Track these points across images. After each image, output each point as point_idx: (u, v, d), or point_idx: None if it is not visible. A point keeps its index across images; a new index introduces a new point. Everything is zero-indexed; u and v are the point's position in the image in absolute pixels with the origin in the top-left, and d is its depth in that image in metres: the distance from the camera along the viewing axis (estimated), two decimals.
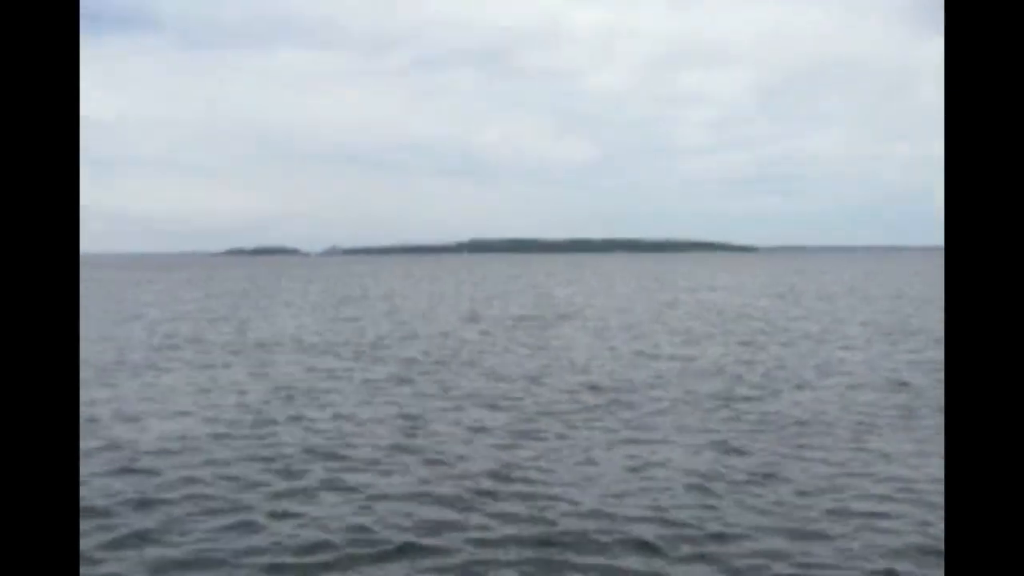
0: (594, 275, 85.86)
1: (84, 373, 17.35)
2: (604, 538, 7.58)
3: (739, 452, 10.57)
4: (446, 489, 9.06)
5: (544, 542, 7.49)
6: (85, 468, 9.76)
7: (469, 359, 19.72)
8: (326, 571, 6.95)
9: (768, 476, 9.47)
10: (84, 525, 7.84)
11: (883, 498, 8.65)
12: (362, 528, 7.86)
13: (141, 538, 7.62)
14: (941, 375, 14.92)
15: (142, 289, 59.51)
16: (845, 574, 6.79)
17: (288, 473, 9.73)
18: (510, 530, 7.80)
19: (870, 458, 10.22)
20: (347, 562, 7.11)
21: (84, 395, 14.66)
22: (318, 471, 9.78)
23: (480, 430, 11.96)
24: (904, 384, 15.50)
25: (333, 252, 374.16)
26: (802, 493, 8.84)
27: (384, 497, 8.80)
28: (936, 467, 9.61)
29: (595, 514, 8.21)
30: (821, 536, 7.61)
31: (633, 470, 9.81)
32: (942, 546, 6.51)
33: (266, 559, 7.14)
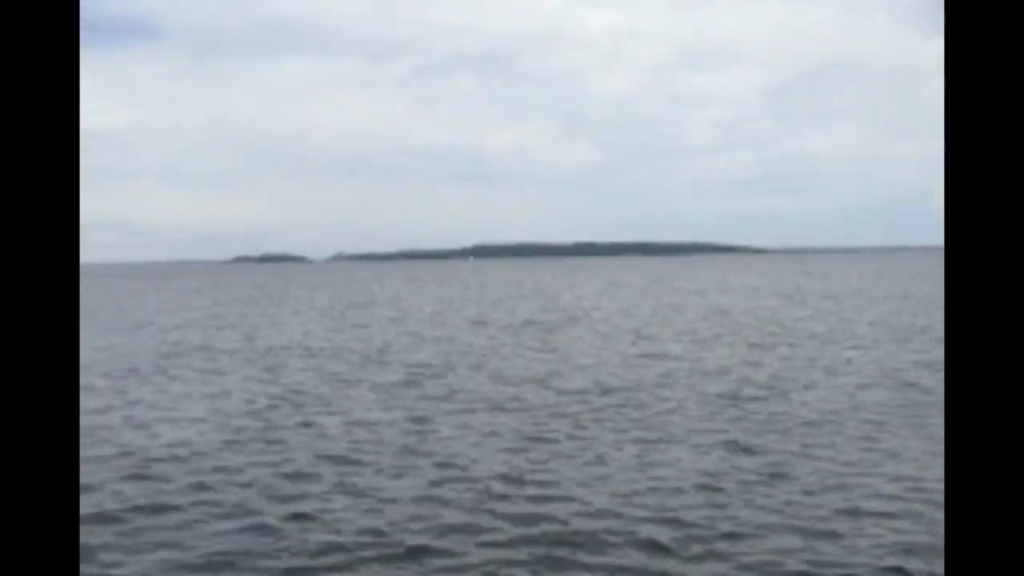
0: (601, 278, 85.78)
1: (95, 381, 17.46)
2: (615, 538, 7.62)
3: (748, 452, 10.59)
4: (457, 491, 9.11)
5: (555, 542, 7.53)
6: (97, 475, 9.85)
7: (477, 363, 19.76)
8: (337, 573, 6.99)
9: (777, 476, 9.50)
10: (96, 530, 7.93)
11: (892, 497, 8.66)
12: (373, 531, 7.91)
13: (153, 543, 7.68)
14: None
15: (150, 297, 59.69)
16: (854, 572, 6.81)
17: (299, 477, 9.79)
18: (521, 531, 7.85)
19: (879, 457, 10.22)
20: (359, 565, 7.16)
21: (95, 402, 14.77)
22: (329, 475, 9.84)
23: (490, 433, 12.00)
24: (912, 384, 15.49)
25: (339, 258, 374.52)
26: (811, 492, 8.86)
27: (395, 500, 8.84)
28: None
29: (606, 514, 8.26)
30: (830, 535, 7.63)
31: (643, 470, 9.84)
32: None
33: (277, 563, 7.19)
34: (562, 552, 7.33)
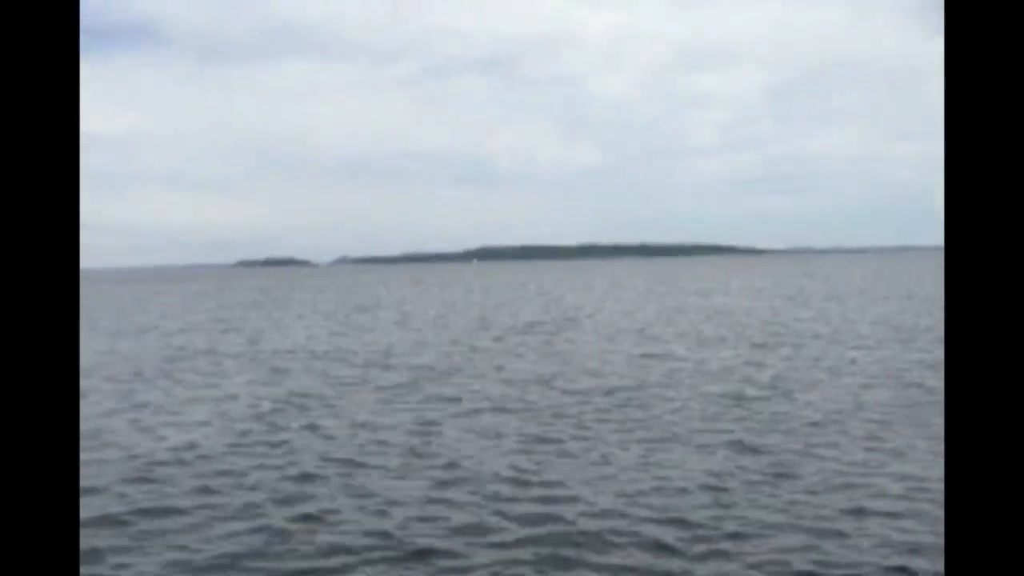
0: (604, 280, 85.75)
1: (101, 384, 17.52)
2: (621, 538, 7.64)
3: (753, 451, 10.61)
4: (463, 492, 9.14)
5: (562, 542, 7.56)
6: (104, 478, 9.90)
7: (482, 365, 19.78)
8: (344, 575, 7.02)
9: (782, 475, 9.51)
10: (103, 533, 7.97)
11: (897, 497, 8.67)
12: (380, 532, 7.94)
13: (160, 545, 7.72)
14: None
15: (155, 302, 59.80)
16: (859, 572, 6.82)
17: (305, 479, 9.82)
18: (527, 531, 7.87)
19: (883, 457, 10.23)
20: (366, 566, 7.18)
21: (101, 406, 14.82)
22: (335, 477, 9.87)
23: (495, 434, 12.02)
24: (916, 384, 15.48)
25: (343, 262, 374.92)
26: (816, 492, 8.87)
27: (401, 501, 8.87)
28: None
29: (611, 514, 8.28)
30: (835, 534, 7.64)
31: (648, 470, 9.86)
32: None
33: (284, 564, 7.22)
34: (568, 552, 7.35)
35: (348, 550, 7.51)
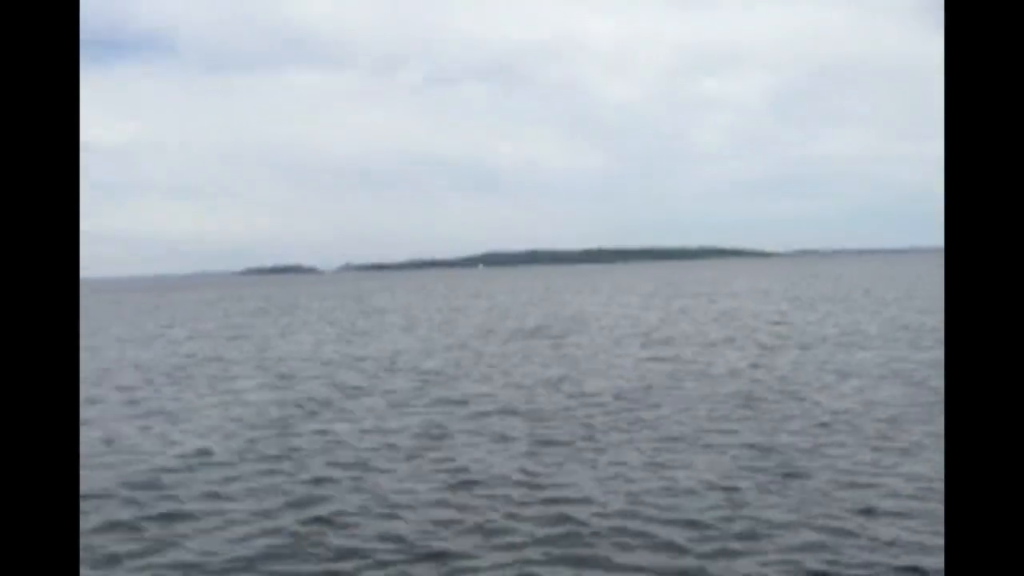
0: (610, 284, 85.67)
1: (110, 392, 17.61)
2: (632, 539, 7.68)
3: (762, 452, 10.62)
4: (473, 495, 9.18)
5: (573, 543, 7.60)
6: (113, 484, 9.97)
7: (489, 369, 19.82)
8: None
9: (791, 475, 9.52)
10: (110, 538, 8.04)
11: (907, 496, 8.67)
12: (392, 535, 7.98)
13: (171, 550, 7.78)
14: None
15: (162, 310, 59.99)
16: (870, 571, 6.83)
17: (315, 483, 9.87)
18: (538, 533, 7.91)
19: (893, 457, 10.23)
20: (378, 569, 7.22)
21: (110, 413, 14.90)
22: (346, 481, 9.92)
23: (504, 437, 12.06)
24: (923, 384, 15.46)
25: (348, 269, 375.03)
26: (825, 492, 8.89)
27: (412, 505, 8.92)
28: None
29: (622, 514, 8.32)
30: (845, 534, 7.65)
31: (657, 471, 9.88)
32: None
33: (296, 568, 7.27)
34: (580, 552, 7.40)
35: (361, 553, 7.56)
